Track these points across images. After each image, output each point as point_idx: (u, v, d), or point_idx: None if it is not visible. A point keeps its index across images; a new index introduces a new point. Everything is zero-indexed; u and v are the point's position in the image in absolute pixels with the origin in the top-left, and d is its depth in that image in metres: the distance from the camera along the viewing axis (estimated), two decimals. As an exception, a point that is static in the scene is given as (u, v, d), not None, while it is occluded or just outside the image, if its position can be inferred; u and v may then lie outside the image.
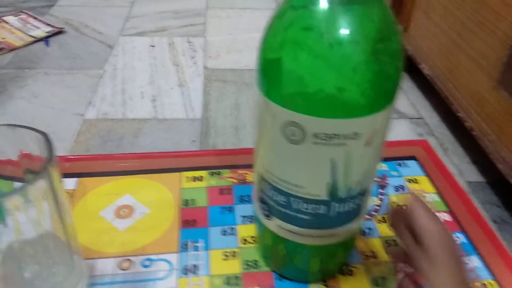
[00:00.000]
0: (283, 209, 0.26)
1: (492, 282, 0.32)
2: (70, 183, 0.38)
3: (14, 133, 0.27)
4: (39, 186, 0.24)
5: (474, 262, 0.33)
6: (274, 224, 0.28)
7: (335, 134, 0.22)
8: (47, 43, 0.90)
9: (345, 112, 0.22)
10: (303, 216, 0.26)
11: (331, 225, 0.27)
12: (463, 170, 0.73)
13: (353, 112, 0.22)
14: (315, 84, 0.21)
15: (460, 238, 0.35)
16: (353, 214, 0.27)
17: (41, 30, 0.97)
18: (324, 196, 0.25)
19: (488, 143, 0.63)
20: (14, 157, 0.29)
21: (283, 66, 0.22)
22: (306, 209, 0.25)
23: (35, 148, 0.27)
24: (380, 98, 0.23)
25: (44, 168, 0.23)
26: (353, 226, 0.28)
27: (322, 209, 0.25)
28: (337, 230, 0.27)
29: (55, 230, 0.28)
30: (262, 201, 0.27)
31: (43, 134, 0.26)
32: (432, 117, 0.80)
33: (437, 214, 0.37)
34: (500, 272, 0.33)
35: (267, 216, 0.28)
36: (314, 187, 0.24)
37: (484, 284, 0.32)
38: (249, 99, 0.84)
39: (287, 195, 0.25)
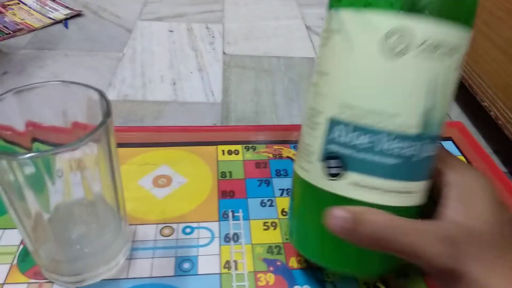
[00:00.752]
0: (364, 155, 0.21)
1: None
2: (106, 153, 0.38)
3: (67, 90, 0.26)
4: (94, 143, 0.24)
5: None
6: (346, 183, 0.22)
7: (440, 45, 0.20)
8: (66, 25, 0.90)
9: (459, 14, 0.20)
10: (390, 161, 0.21)
11: (416, 175, 0.22)
12: (482, 161, 0.73)
13: (465, 16, 0.21)
14: None
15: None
16: (430, 167, 0.23)
17: (60, 13, 0.96)
18: (416, 128, 0.21)
19: (500, 115, 0.63)
20: (64, 120, 0.28)
21: None
22: (395, 149, 0.21)
23: (85, 108, 0.27)
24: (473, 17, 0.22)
25: (103, 122, 0.23)
26: (427, 187, 0.24)
27: (412, 149, 0.21)
28: (420, 185, 0.23)
29: (105, 194, 0.28)
30: (330, 156, 0.22)
31: (98, 91, 0.25)
32: (453, 108, 0.81)
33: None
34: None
35: (335, 175, 0.22)
36: (409, 114, 0.21)
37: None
38: (268, 85, 0.84)
39: (373, 132, 0.21)
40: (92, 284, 0.28)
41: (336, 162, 0.22)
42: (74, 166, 0.25)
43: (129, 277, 0.29)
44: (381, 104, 0.21)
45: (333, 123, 0.22)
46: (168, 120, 0.72)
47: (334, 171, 0.22)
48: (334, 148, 0.22)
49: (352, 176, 0.22)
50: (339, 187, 0.22)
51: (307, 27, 1.02)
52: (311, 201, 0.24)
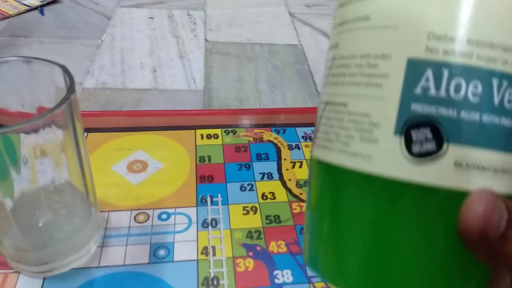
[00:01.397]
0: (473, 115, 0.13)
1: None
2: (78, 138, 0.36)
3: (29, 68, 0.25)
4: (59, 126, 0.22)
5: None
6: (445, 165, 0.13)
7: None
8: (42, 12, 0.87)
9: None
10: (505, 122, 0.14)
11: None
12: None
13: None
14: None
15: None
16: None
17: None
18: None
19: None
20: (30, 104, 0.27)
21: None
22: (511, 102, 0.14)
23: (53, 90, 0.25)
24: None
25: (65, 98, 0.22)
26: None
27: None
28: None
29: (73, 179, 0.26)
30: (417, 123, 0.13)
31: (62, 67, 0.24)
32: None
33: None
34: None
35: (428, 153, 0.13)
36: None
37: None
38: (251, 72, 0.82)
39: (487, 75, 0.13)
40: (62, 273, 0.27)
41: (428, 132, 0.13)
42: (39, 150, 0.23)
43: (101, 265, 0.27)
44: (494, 31, 0.13)
45: (417, 68, 0.13)
46: (148, 107, 0.70)
47: (427, 146, 0.13)
48: (422, 109, 0.13)
49: (454, 152, 0.13)
50: (434, 172, 0.13)
51: (291, 14, 1.00)
52: (378, 205, 0.14)
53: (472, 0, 0.13)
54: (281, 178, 0.35)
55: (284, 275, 0.28)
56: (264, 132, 0.39)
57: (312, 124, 0.40)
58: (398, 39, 0.14)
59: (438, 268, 0.14)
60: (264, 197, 0.33)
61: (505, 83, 0.13)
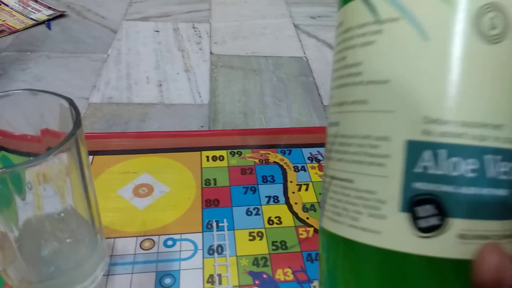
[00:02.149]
0: (470, 190, 0.14)
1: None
2: (84, 161, 0.36)
3: (36, 99, 0.25)
4: (64, 154, 0.22)
5: None
6: (450, 237, 0.14)
7: None
8: (49, 27, 0.88)
9: None
10: (501, 192, 0.15)
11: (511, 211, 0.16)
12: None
13: None
14: None
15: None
16: None
17: (42, 13, 0.94)
18: None
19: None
20: (34, 128, 0.27)
21: None
22: (505, 174, 0.15)
23: (58, 115, 0.25)
24: None
25: (71, 133, 0.22)
26: None
27: None
28: None
29: (78, 206, 0.26)
30: (420, 200, 0.14)
31: (68, 99, 0.24)
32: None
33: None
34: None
35: (433, 228, 0.14)
36: None
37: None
38: (256, 85, 0.83)
39: (480, 152, 0.14)
40: (68, 303, 0.27)
41: (432, 208, 0.14)
42: (43, 179, 0.23)
43: (107, 294, 0.27)
44: (484, 113, 0.14)
45: (416, 149, 0.14)
46: (154, 122, 0.70)
47: (431, 221, 0.14)
48: (424, 187, 0.14)
49: (457, 225, 0.14)
50: (440, 245, 0.14)
51: (295, 26, 1.00)
52: (388, 278, 0.15)
53: (462, 87, 0.14)
54: (287, 201, 0.34)
55: (291, 304, 0.27)
56: (269, 154, 0.39)
57: (318, 145, 0.40)
58: (396, 123, 0.15)
59: None
60: (270, 222, 0.33)
61: (498, 157, 0.14)
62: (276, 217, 0.33)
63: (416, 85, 0.15)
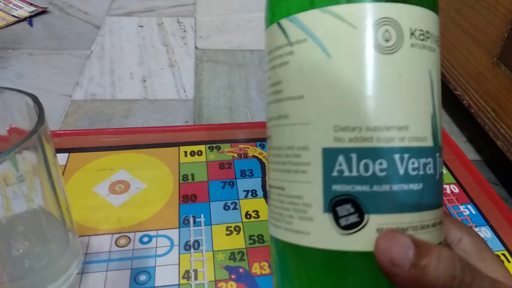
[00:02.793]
0: (384, 188, 0.16)
1: (505, 252, 0.31)
2: (60, 159, 0.36)
3: (2, 97, 0.24)
4: (29, 153, 0.22)
5: (485, 233, 0.32)
6: (370, 232, 0.16)
7: (428, 32, 0.17)
8: (30, 23, 0.86)
9: (433, 2, 0.18)
10: (413, 187, 0.16)
11: (439, 199, 0.18)
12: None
13: (435, 4, 0.18)
14: None
15: (469, 209, 0.34)
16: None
17: (24, 10, 0.92)
18: (429, 139, 0.17)
19: (486, 120, 0.62)
20: (2, 131, 0.26)
21: None
22: (415, 169, 0.16)
23: (24, 111, 0.25)
24: None
25: (34, 130, 0.21)
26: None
27: (430, 166, 0.17)
28: (442, 212, 0.18)
29: (47, 205, 0.26)
30: (340, 201, 0.16)
31: (33, 96, 0.23)
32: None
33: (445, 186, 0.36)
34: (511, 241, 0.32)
35: (353, 225, 0.16)
36: (419, 123, 0.17)
37: (497, 255, 0.31)
38: (242, 80, 0.82)
39: (388, 152, 0.16)
40: (41, 302, 0.26)
41: (350, 207, 0.16)
42: (10, 179, 0.23)
43: (81, 292, 0.27)
44: (387, 117, 0.16)
45: (331, 155, 0.16)
46: (138, 119, 0.70)
47: (351, 219, 0.16)
48: (341, 188, 0.16)
49: (374, 220, 0.16)
50: (361, 240, 0.16)
51: (282, 19, 1.00)
52: (322, 274, 0.17)
53: (364, 95, 0.16)
54: (265, 195, 0.34)
55: (267, 298, 0.27)
56: (248, 148, 0.38)
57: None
58: (312, 133, 0.16)
59: None
60: (248, 216, 0.32)
61: (406, 155, 0.16)
62: (253, 211, 0.33)
63: (325, 98, 0.16)
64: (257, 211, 0.33)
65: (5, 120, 0.26)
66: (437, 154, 0.17)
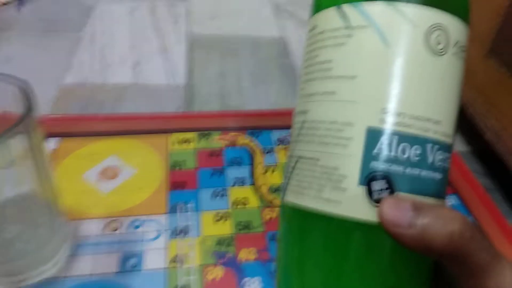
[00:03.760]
0: (414, 171, 0.18)
1: (485, 241, 0.32)
2: (51, 144, 0.36)
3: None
4: (18, 139, 0.22)
5: (466, 223, 0.33)
6: None
7: (464, 46, 0.19)
8: (20, 6, 0.85)
9: (468, 17, 0.20)
10: (437, 175, 0.18)
11: (445, 192, 0.20)
12: (447, 141, 0.74)
13: (468, 19, 0.20)
14: None
15: (453, 200, 0.35)
16: None
17: (13, -8, 0.90)
18: (451, 137, 0.19)
19: (476, 113, 0.63)
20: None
21: None
22: (440, 160, 0.18)
23: (17, 98, 0.25)
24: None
25: (23, 117, 0.21)
26: None
27: (448, 161, 0.19)
28: (445, 203, 0.20)
29: (36, 191, 0.26)
30: (375, 177, 0.18)
31: (22, 83, 0.24)
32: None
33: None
34: (493, 234, 0.33)
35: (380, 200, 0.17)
36: (448, 121, 0.19)
37: None
38: (234, 67, 0.82)
39: (423, 141, 0.18)
40: (32, 284, 0.27)
41: (384, 183, 0.18)
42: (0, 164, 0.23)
43: (71, 275, 0.27)
44: (428, 109, 0.18)
45: (374, 135, 0.18)
46: (129, 104, 0.69)
47: (383, 194, 0.17)
48: (379, 165, 0.18)
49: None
50: None
51: (275, 5, 0.99)
52: (345, 242, 0.18)
53: (412, 87, 0.18)
54: (253, 184, 0.35)
55: (253, 283, 0.28)
56: (238, 135, 0.39)
57: (287, 127, 0.40)
58: (359, 112, 0.18)
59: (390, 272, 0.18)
60: (236, 204, 0.33)
61: (436, 147, 0.18)
62: (242, 199, 0.33)
63: (377, 82, 0.18)
64: (245, 199, 0.33)
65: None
66: (452, 152, 0.19)
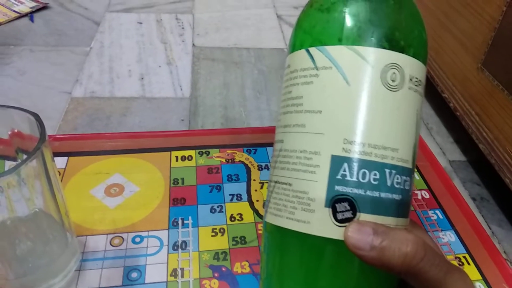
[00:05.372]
0: (373, 193, 0.20)
1: (466, 255, 0.34)
2: (59, 162, 0.39)
3: (5, 114, 0.27)
4: (32, 165, 0.25)
5: (449, 237, 0.35)
6: None
7: (420, 80, 0.22)
8: (31, 19, 0.89)
9: (425, 54, 0.22)
10: (395, 197, 0.21)
11: (408, 211, 0.22)
12: (446, 150, 0.76)
13: (425, 55, 0.23)
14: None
15: (437, 214, 0.37)
16: None
17: (25, 5, 0.94)
18: (410, 162, 0.21)
19: (470, 124, 0.65)
20: (4, 135, 0.29)
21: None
22: (398, 183, 0.21)
23: (26, 128, 0.28)
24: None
25: (37, 148, 0.24)
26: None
27: (408, 184, 0.21)
28: (407, 222, 0.22)
29: (47, 208, 0.29)
30: (339, 199, 0.20)
31: (35, 115, 0.26)
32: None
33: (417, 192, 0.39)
34: (474, 246, 0.35)
35: (347, 219, 0.20)
36: (406, 148, 0.21)
37: (458, 257, 0.34)
38: (237, 78, 0.84)
39: (381, 167, 0.20)
40: (42, 296, 0.29)
41: (347, 205, 0.20)
42: (12, 183, 0.26)
43: (78, 288, 0.30)
44: (385, 139, 0.20)
45: (338, 162, 0.20)
46: (136, 117, 0.72)
47: (346, 215, 0.20)
48: (342, 189, 0.20)
49: (364, 218, 0.20)
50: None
51: (278, 16, 1.01)
52: (316, 257, 0.21)
53: (370, 119, 0.20)
54: (249, 199, 0.37)
55: (246, 295, 0.30)
56: (236, 153, 0.41)
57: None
58: (325, 142, 0.20)
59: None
60: (232, 219, 0.35)
61: (393, 171, 0.20)
62: (238, 214, 0.36)
63: (339, 116, 0.20)
64: (241, 214, 0.36)
65: (7, 127, 0.29)
66: (412, 175, 0.22)
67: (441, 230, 0.36)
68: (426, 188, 0.40)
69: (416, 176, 0.41)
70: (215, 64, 0.89)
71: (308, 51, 0.22)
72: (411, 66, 0.21)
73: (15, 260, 0.28)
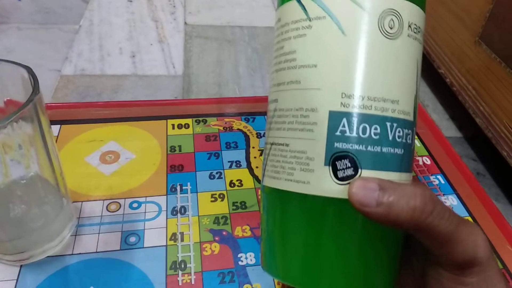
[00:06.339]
0: (375, 149, 0.19)
1: (469, 218, 0.34)
2: (52, 130, 0.37)
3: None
4: (26, 123, 0.24)
5: (451, 201, 0.35)
6: None
7: (419, 27, 0.20)
8: (18, -3, 0.85)
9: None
10: (397, 151, 0.20)
11: (411, 165, 0.21)
12: (442, 126, 0.75)
13: (423, 1, 0.21)
14: None
15: (439, 179, 0.37)
16: None
17: (11, -17, 0.91)
18: (411, 115, 0.20)
19: (467, 98, 0.64)
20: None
21: None
22: (400, 137, 0.20)
23: (21, 86, 0.26)
24: None
25: (30, 99, 0.23)
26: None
27: (410, 137, 0.20)
28: (410, 177, 0.21)
29: (43, 172, 0.28)
30: (339, 157, 0.19)
31: (27, 68, 0.25)
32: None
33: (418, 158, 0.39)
34: (476, 209, 0.34)
35: (348, 177, 0.19)
36: (407, 100, 0.20)
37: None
38: (231, 56, 0.83)
39: (382, 120, 0.19)
40: (37, 261, 0.28)
41: (347, 162, 0.19)
42: (7, 146, 0.24)
43: (75, 253, 0.29)
44: (384, 90, 0.19)
45: (336, 118, 0.19)
46: (128, 94, 0.71)
47: (347, 172, 0.19)
48: (342, 146, 0.19)
49: (366, 174, 0.19)
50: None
51: (271, -5, 1.00)
52: (317, 218, 0.20)
53: (369, 71, 0.19)
54: (248, 165, 0.36)
55: (248, 257, 0.30)
56: (234, 121, 0.40)
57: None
58: (322, 98, 0.19)
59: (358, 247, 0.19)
60: (232, 185, 0.35)
61: (395, 124, 0.19)
62: (237, 180, 0.35)
63: (336, 69, 0.19)
64: (241, 180, 0.35)
65: (1, 93, 0.27)
66: (414, 128, 0.21)
67: (443, 195, 0.35)
68: (427, 154, 0.39)
69: (417, 142, 0.40)
70: (208, 42, 0.87)
71: (299, 1, 0.20)
72: (409, 12, 0.20)
73: (8, 222, 0.27)
